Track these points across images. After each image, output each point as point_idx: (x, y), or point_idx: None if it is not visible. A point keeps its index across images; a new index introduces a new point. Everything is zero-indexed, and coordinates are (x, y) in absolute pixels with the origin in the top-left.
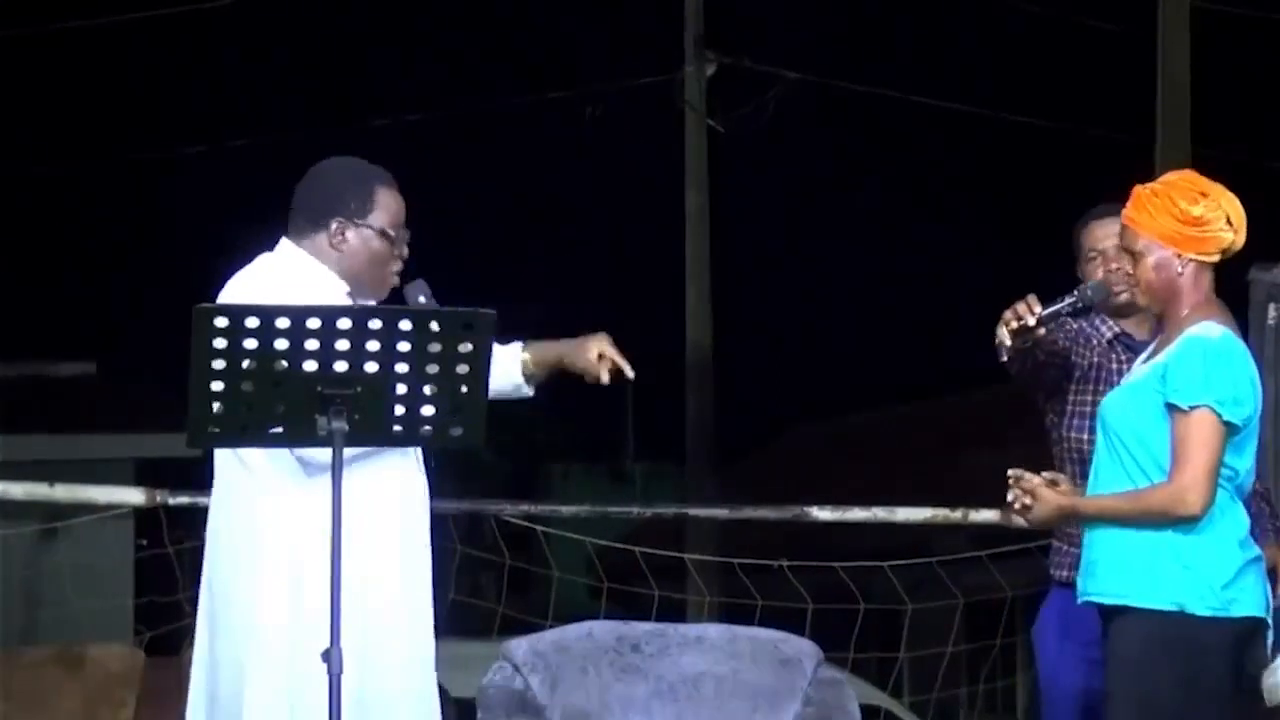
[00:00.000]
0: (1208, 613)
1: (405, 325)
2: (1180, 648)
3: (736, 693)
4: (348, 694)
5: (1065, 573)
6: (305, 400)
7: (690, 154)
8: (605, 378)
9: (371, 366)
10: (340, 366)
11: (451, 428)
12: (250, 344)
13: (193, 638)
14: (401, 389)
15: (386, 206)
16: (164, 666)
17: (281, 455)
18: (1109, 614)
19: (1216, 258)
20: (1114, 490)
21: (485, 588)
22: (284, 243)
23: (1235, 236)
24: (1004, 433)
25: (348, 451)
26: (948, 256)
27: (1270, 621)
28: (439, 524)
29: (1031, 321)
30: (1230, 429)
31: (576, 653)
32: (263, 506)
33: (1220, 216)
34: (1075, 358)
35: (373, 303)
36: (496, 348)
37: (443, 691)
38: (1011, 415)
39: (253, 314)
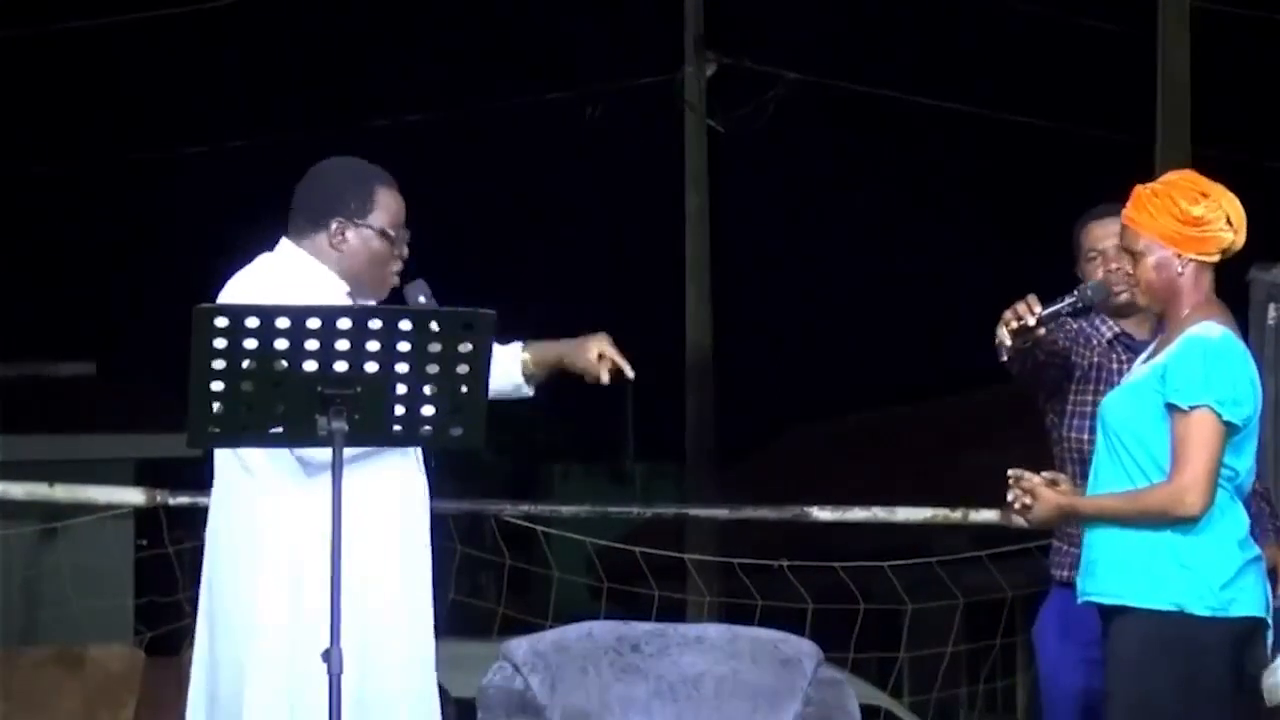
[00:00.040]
0: (1207, 613)
1: (405, 325)
2: (1180, 648)
3: (736, 693)
4: (347, 694)
5: (1065, 573)
6: (305, 400)
7: (690, 154)
8: (605, 377)
9: (371, 366)
10: (340, 366)
11: (451, 428)
12: (250, 344)
13: (193, 638)
14: (401, 389)
15: (386, 206)
16: (164, 666)
17: (281, 455)
18: (1109, 614)
19: (1217, 258)
20: (1114, 490)
21: (485, 588)
22: (284, 243)
23: (1235, 237)
24: (1004, 433)
25: (347, 451)
26: (947, 256)
27: (1271, 621)
28: (439, 524)
29: (1031, 321)
30: (1230, 429)
31: (576, 653)
32: (262, 507)
33: (1221, 217)
34: (1075, 358)
35: (373, 303)
36: (496, 348)
37: (443, 691)
38: (1011, 415)
39: (253, 314)
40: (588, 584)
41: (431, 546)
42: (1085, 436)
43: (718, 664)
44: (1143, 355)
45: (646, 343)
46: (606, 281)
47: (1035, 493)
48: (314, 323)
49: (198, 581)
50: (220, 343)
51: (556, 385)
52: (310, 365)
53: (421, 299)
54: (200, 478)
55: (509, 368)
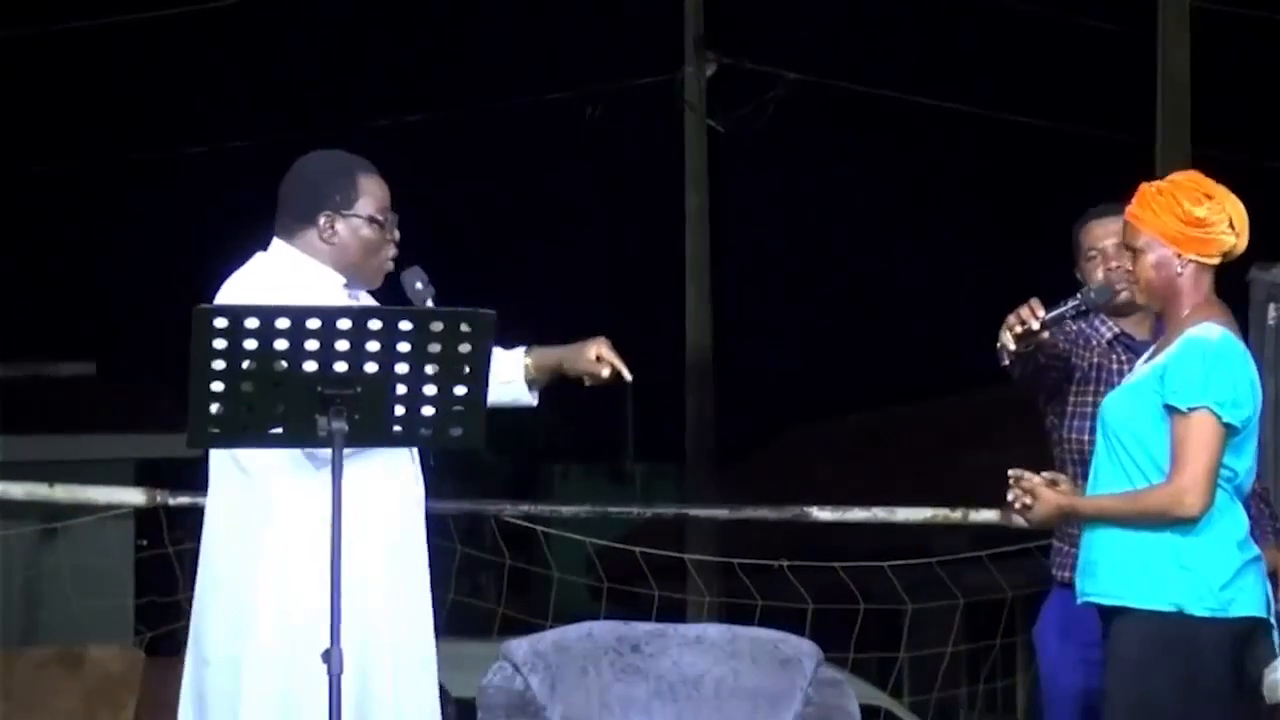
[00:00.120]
0: (1206, 613)
1: (405, 325)
2: (1179, 648)
3: (736, 693)
4: (346, 694)
5: (1066, 573)
6: (305, 400)
7: (690, 154)
8: (606, 372)
9: (371, 367)
10: (340, 367)
11: (451, 428)
12: (250, 344)
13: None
14: (401, 389)
15: (371, 193)
16: (164, 667)
17: (277, 455)
18: (1108, 614)
19: (1217, 260)
20: (1113, 491)
21: (485, 588)
22: (276, 242)
23: (1237, 240)
24: (1004, 433)
25: (344, 451)
26: (947, 256)
27: (1274, 622)
28: (439, 524)
29: (1035, 326)
30: (1229, 430)
31: (576, 653)
32: (258, 506)
33: (1223, 219)
34: (1076, 359)
35: (369, 291)
36: (499, 354)
37: (443, 691)
38: (1011, 415)
39: (252, 314)
40: (588, 584)
41: (429, 546)
42: (1085, 437)
43: (718, 664)
44: (1144, 356)
45: (646, 343)
46: (606, 281)
47: (1035, 493)
48: (314, 323)
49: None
50: (220, 343)
51: (556, 386)
52: (310, 365)
53: (418, 285)
54: (200, 478)
55: (512, 375)
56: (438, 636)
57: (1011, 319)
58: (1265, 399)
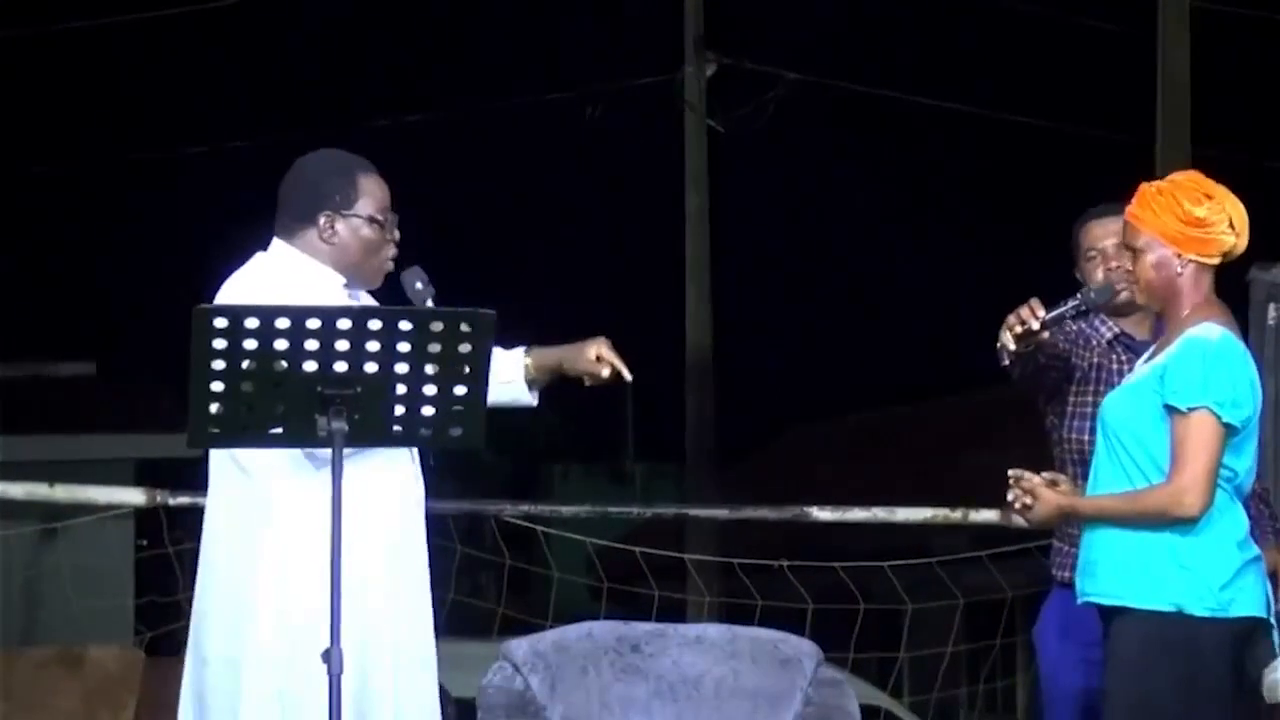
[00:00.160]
0: (1206, 613)
1: (405, 325)
2: (1179, 648)
3: (736, 693)
4: (346, 694)
5: (1066, 573)
6: (305, 400)
7: (690, 154)
8: (606, 372)
9: (371, 367)
10: (340, 367)
11: (451, 428)
12: (250, 344)
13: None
14: (401, 389)
15: (371, 193)
16: (164, 667)
17: (277, 454)
18: (1108, 615)
19: (1217, 260)
20: (1113, 491)
21: (485, 588)
22: (276, 242)
23: (1237, 240)
24: (1004, 433)
25: (344, 451)
26: (947, 256)
27: (1274, 622)
28: (439, 524)
29: (1036, 326)
30: (1229, 430)
31: (576, 653)
32: (258, 507)
33: (1223, 219)
34: (1075, 359)
35: (370, 291)
36: (499, 354)
37: (443, 691)
38: (1011, 415)
39: (252, 314)
40: (588, 584)
41: (429, 546)
42: (1085, 437)
43: (717, 664)
44: (1144, 356)
45: (646, 343)
46: (606, 281)
47: (1035, 493)
48: (314, 323)
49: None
50: (220, 343)
51: (557, 386)
52: (310, 365)
53: (418, 285)
54: (200, 478)
55: (512, 375)
56: (437, 636)
57: (1012, 319)
58: (1265, 399)
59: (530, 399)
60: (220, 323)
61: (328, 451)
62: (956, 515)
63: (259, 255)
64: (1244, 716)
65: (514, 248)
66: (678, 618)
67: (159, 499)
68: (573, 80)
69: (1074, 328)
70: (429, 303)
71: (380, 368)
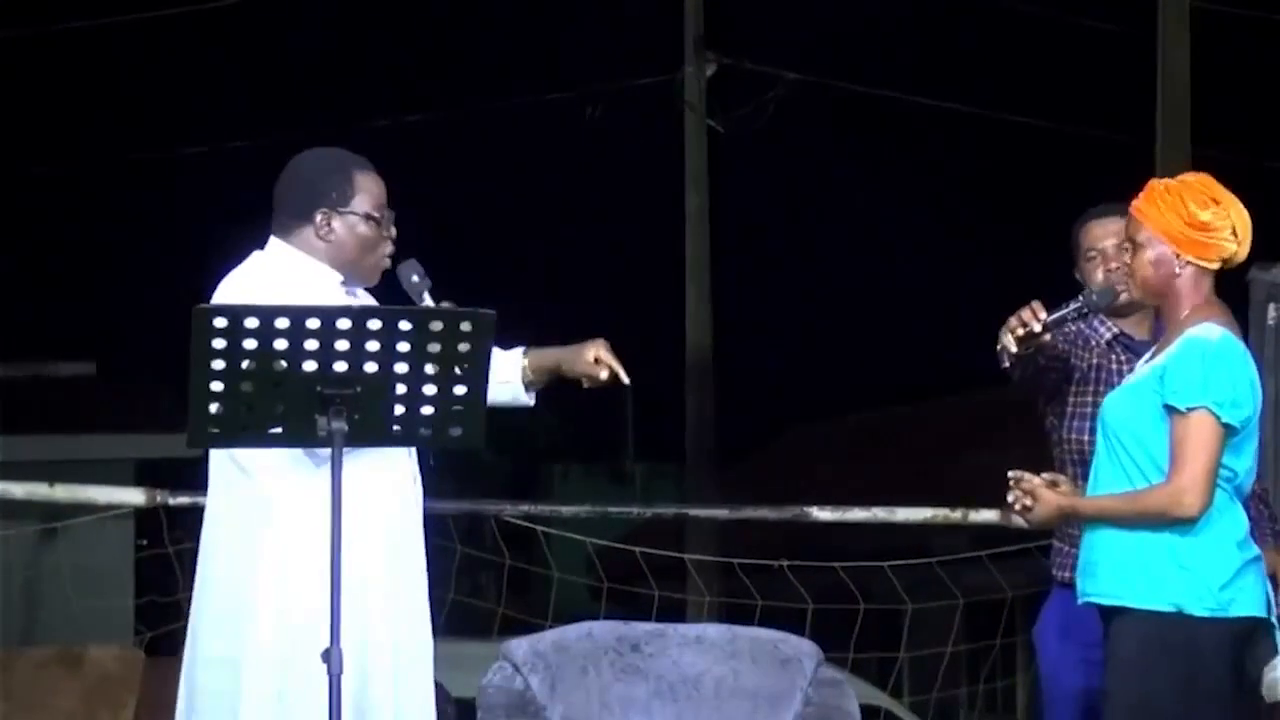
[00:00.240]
0: (1206, 613)
1: (405, 325)
2: (1179, 649)
3: (736, 693)
4: (345, 694)
5: (1066, 573)
6: (305, 400)
7: (690, 154)
8: (604, 375)
9: (371, 366)
10: (340, 366)
11: (451, 428)
12: (250, 344)
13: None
14: (401, 389)
15: (368, 190)
16: (164, 666)
17: (276, 454)
18: (1109, 615)
19: (1216, 265)
20: (1113, 491)
21: (485, 588)
22: (273, 240)
23: (1238, 249)
24: (1004, 433)
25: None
26: (947, 256)
27: (1275, 622)
28: (439, 524)
29: (1038, 328)
30: (1229, 431)
31: (576, 653)
32: (258, 507)
33: (1227, 226)
34: (1075, 360)
35: (367, 288)
36: (498, 354)
37: (443, 691)
38: (1011, 415)
39: (252, 314)
40: (588, 584)
41: (429, 546)
42: (1085, 438)
43: (717, 664)
44: (1145, 356)
45: (646, 343)
46: (606, 281)
47: (1035, 494)
48: (313, 323)
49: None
50: (220, 343)
51: (556, 386)
52: (310, 365)
53: (415, 278)
54: (200, 478)
55: (510, 376)
56: (437, 636)
57: (1013, 321)
58: (1265, 399)
59: (528, 400)
60: (220, 322)
61: (326, 450)
62: (956, 515)
63: (256, 254)
64: (1244, 717)
65: (514, 248)
66: (678, 618)
67: (159, 499)
68: (573, 80)
69: (1073, 329)
70: (426, 295)
71: (380, 367)
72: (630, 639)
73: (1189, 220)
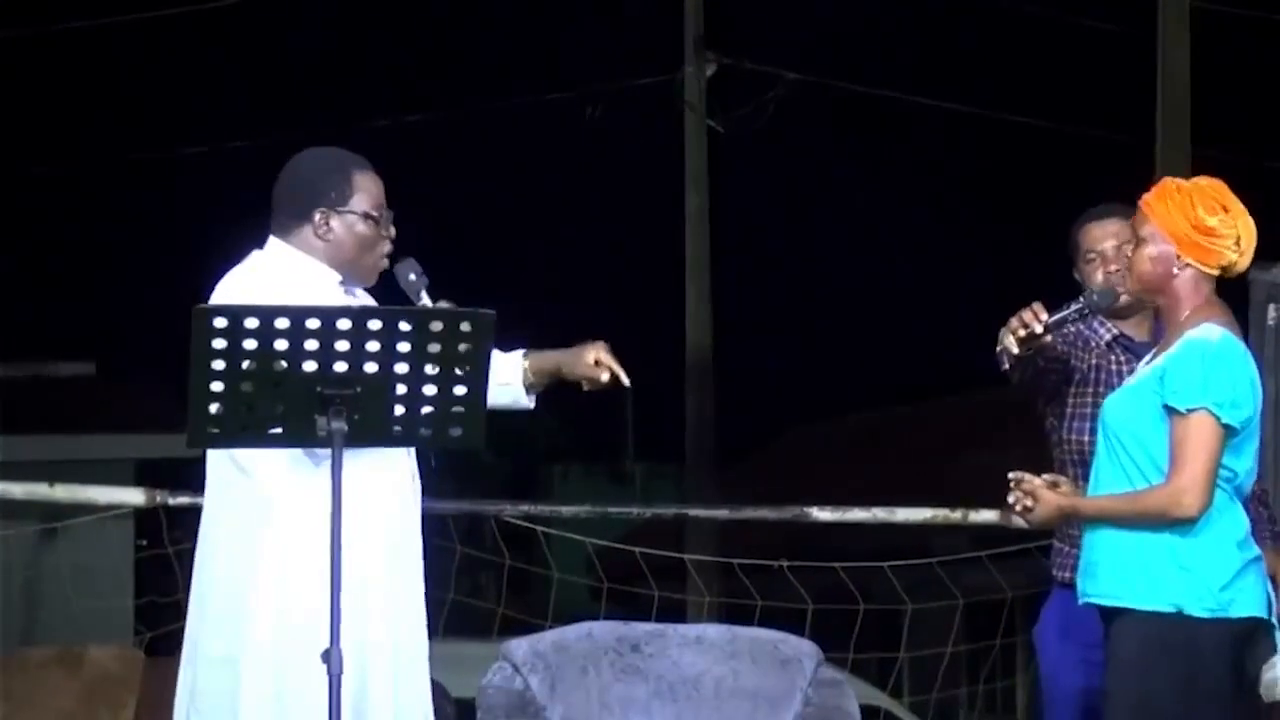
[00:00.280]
0: (1206, 614)
1: (405, 325)
2: (1179, 649)
3: (736, 693)
4: (344, 694)
5: (1067, 574)
6: (305, 400)
7: (690, 154)
8: (604, 377)
9: (371, 367)
10: (340, 367)
11: (451, 428)
12: (250, 344)
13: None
14: (401, 389)
15: (366, 190)
16: (164, 667)
17: (276, 454)
18: (1109, 615)
19: (1216, 271)
20: (1114, 492)
21: (485, 588)
22: (272, 240)
23: (1240, 259)
24: (1004, 433)
25: None
26: (947, 256)
27: (1275, 622)
28: (439, 524)
29: (1039, 329)
30: (1229, 431)
31: (576, 653)
32: (257, 507)
33: (1232, 234)
34: (1074, 361)
35: (366, 288)
36: (498, 356)
37: (443, 691)
38: (1011, 415)
39: (252, 314)
40: (588, 584)
41: (428, 546)
42: (1085, 438)
43: (717, 664)
44: (1146, 357)
45: (646, 343)
46: (606, 281)
47: (1036, 494)
48: (313, 323)
49: None
50: (220, 343)
51: (556, 387)
52: (310, 365)
53: (412, 276)
54: (200, 478)
55: (510, 378)
56: (436, 636)
57: (1014, 322)
58: (1265, 399)
59: (527, 402)
60: (220, 323)
61: (326, 450)
62: (956, 515)
63: (255, 253)
64: (1244, 717)
65: (514, 248)
66: (678, 618)
67: (159, 499)
68: (573, 80)
69: (1072, 330)
70: (423, 293)
71: (380, 368)
72: (630, 639)
73: (1195, 223)
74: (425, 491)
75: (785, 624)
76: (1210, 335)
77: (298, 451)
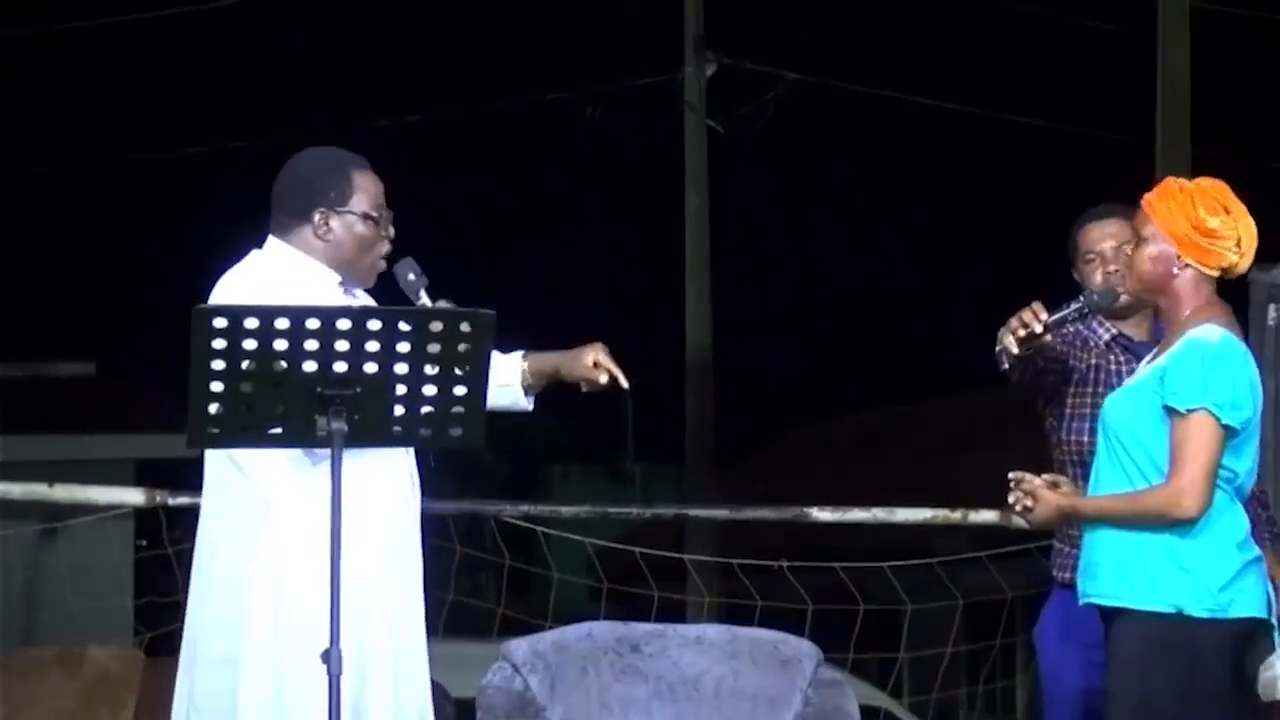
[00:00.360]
0: (1206, 614)
1: (405, 325)
2: (1179, 649)
3: (736, 693)
4: (344, 694)
5: (1067, 574)
6: (305, 401)
7: (690, 154)
8: (603, 379)
9: (371, 367)
10: (340, 367)
11: (451, 428)
12: (250, 344)
13: None
14: (401, 389)
15: (365, 190)
16: (163, 667)
17: (275, 454)
18: (1109, 616)
19: (1216, 273)
20: (1114, 492)
21: (485, 588)
22: (271, 240)
23: (1240, 260)
24: (1004, 433)
25: None
26: (947, 256)
27: (1275, 623)
28: (439, 524)
29: (1039, 329)
30: (1229, 432)
31: (576, 653)
32: (256, 506)
33: (1233, 236)
34: (1074, 361)
35: (365, 288)
36: (498, 357)
37: (443, 691)
38: (1011, 415)
39: (252, 314)
40: (588, 584)
41: (428, 546)
42: (1085, 439)
43: (717, 664)
44: (1147, 358)
45: (646, 343)
46: (606, 281)
47: (1036, 494)
48: (313, 323)
49: None
50: (219, 343)
51: (556, 388)
52: (310, 366)
53: (410, 276)
54: (200, 478)
55: (509, 379)
56: (436, 637)
57: (1014, 322)
58: (1265, 399)
59: (526, 404)
60: (220, 323)
61: (325, 450)
62: (956, 515)
63: (254, 253)
64: (1244, 717)
65: (514, 248)
66: (677, 618)
67: (159, 499)
68: (573, 80)
69: (1072, 330)
70: (422, 293)
71: (380, 368)
72: (630, 639)
73: (1196, 224)
74: (425, 491)
75: (785, 624)
76: (1210, 336)
77: (297, 451)
